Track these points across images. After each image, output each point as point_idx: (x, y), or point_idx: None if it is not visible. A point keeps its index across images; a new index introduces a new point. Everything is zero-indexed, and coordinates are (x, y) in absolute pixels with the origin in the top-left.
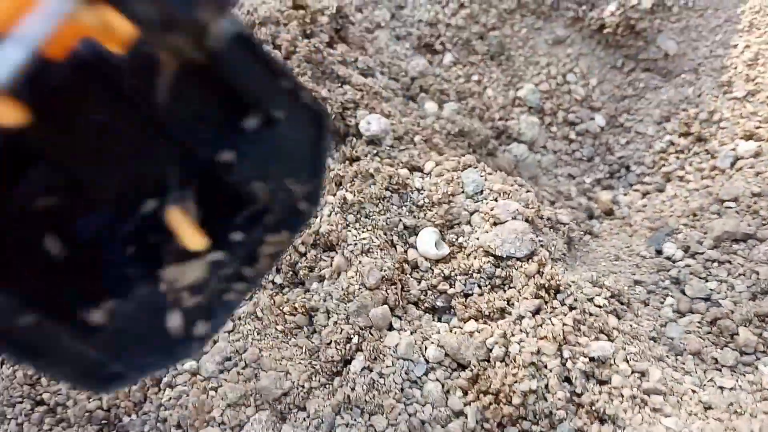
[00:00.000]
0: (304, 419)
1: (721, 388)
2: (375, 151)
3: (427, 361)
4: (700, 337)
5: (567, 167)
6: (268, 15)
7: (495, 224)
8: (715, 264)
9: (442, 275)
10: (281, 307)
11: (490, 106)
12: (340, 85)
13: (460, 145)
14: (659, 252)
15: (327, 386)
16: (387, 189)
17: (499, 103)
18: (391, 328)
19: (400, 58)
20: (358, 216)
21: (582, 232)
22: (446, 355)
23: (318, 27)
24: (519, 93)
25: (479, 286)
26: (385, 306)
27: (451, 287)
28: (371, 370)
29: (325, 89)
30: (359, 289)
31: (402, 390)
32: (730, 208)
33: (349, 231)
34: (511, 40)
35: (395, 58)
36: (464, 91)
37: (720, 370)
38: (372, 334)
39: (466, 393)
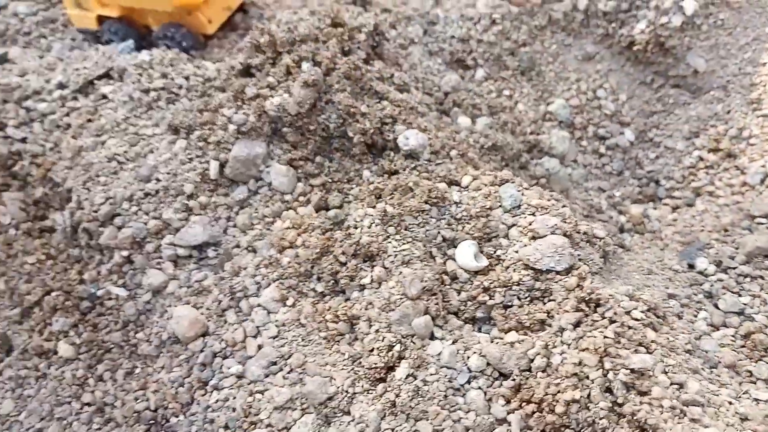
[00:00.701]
0: (349, 423)
1: (757, 400)
2: (413, 165)
3: (470, 370)
4: (735, 351)
5: (597, 181)
6: (307, 33)
7: (534, 238)
8: (748, 279)
9: (482, 287)
10: (323, 315)
11: (522, 120)
12: (378, 100)
13: (493, 158)
14: (691, 266)
15: (371, 392)
16: (426, 202)
17: (531, 118)
18: (432, 337)
19: (433, 73)
20: (398, 228)
21: (615, 246)
22: (488, 364)
23: (356, 44)
24: (550, 108)
25: (519, 298)
26: (427, 316)
27: (490, 299)
28: (415, 378)
29: (364, 105)
30: (401, 298)
31: (446, 397)
32: (762, 224)
33: (390, 242)
34: (541, 56)
35: (428, 73)
36: (496, 106)
37: (755, 383)
38: (414, 343)
39: (508, 401)
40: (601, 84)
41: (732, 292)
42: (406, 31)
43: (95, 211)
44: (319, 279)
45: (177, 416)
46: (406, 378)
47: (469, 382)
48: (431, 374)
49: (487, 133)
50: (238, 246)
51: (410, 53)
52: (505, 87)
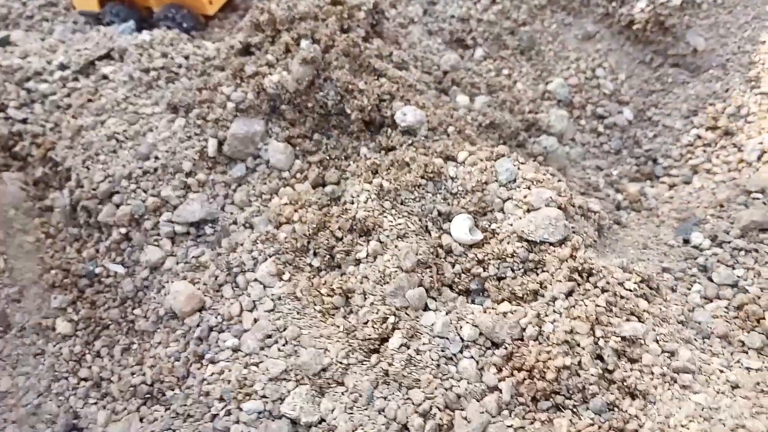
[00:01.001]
0: (343, 393)
1: (748, 368)
2: (410, 141)
3: (463, 340)
4: (727, 322)
5: (595, 159)
6: (307, 10)
7: (529, 211)
8: (742, 252)
9: (476, 259)
10: (319, 289)
11: (520, 99)
12: (376, 77)
13: (491, 136)
14: (686, 241)
15: (364, 363)
16: (422, 177)
17: (529, 97)
18: (426, 308)
19: (433, 52)
20: (394, 202)
21: (611, 222)
22: (481, 334)
23: (355, 22)
24: (548, 87)
25: (512, 270)
26: (421, 288)
27: (484, 271)
28: (408, 347)
29: (362, 82)
30: (396, 271)
31: (438, 366)
32: (757, 199)
33: (386, 217)
34: (541, 36)
35: (428, 52)
36: (495, 85)
37: (747, 353)
38: (408, 314)
39: (500, 369)
40: (600, 63)
41: (726, 265)
42: (406, 11)
43: (94, 189)
44: (315, 254)
45: (173, 389)
46: (399, 348)
47: (461, 351)
48: (424, 344)
49: (486, 111)
50: (235, 222)
51: (410, 32)
52: (504, 66)
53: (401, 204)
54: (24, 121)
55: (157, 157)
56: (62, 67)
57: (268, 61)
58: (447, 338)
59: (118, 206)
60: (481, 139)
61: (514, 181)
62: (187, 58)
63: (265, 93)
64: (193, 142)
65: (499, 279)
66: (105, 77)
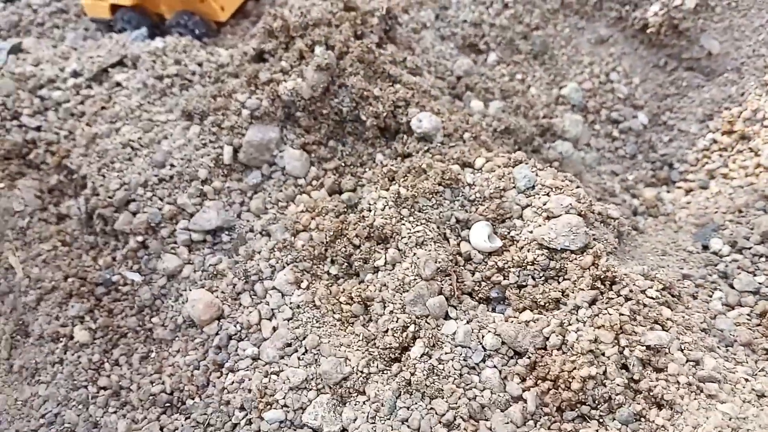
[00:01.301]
0: (365, 402)
1: None
2: (426, 148)
3: (485, 349)
4: (750, 329)
5: (610, 164)
6: (320, 17)
7: (548, 218)
8: (763, 259)
9: (496, 267)
10: (338, 297)
11: (534, 104)
12: (391, 84)
13: (506, 142)
14: (706, 247)
15: (386, 372)
16: (440, 184)
17: (543, 102)
18: (447, 317)
19: (446, 57)
20: (412, 210)
21: (629, 227)
22: (503, 343)
23: (368, 28)
24: (562, 91)
25: (533, 278)
26: (441, 296)
27: (504, 279)
28: (430, 357)
29: (377, 88)
30: (415, 279)
31: (461, 376)
32: None
33: (403, 224)
34: (554, 40)
35: (441, 57)
36: (509, 90)
37: None
38: (429, 323)
39: (524, 379)
40: (614, 67)
41: (747, 272)
42: (419, 16)
43: (110, 197)
44: (333, 262)
45: (193, 398)
46: (421, 357)
47: (484, 360)
48: (446, 353)
49: (500, 116)
50: (252, 230)
51: (422, 37)
52: (518, 71)
53: (419, 211)
54: (38, 128)
55: (172, 165)
56: (75, 74)
57: (282, 67)
58: (469, 347)
59: (134, 214)
60: (496, 144)
61: (533, 187)
62: (200, 65)
63: (280, 100)
64: (209, 150)
65: (520, 287)
66: (118, 84)
